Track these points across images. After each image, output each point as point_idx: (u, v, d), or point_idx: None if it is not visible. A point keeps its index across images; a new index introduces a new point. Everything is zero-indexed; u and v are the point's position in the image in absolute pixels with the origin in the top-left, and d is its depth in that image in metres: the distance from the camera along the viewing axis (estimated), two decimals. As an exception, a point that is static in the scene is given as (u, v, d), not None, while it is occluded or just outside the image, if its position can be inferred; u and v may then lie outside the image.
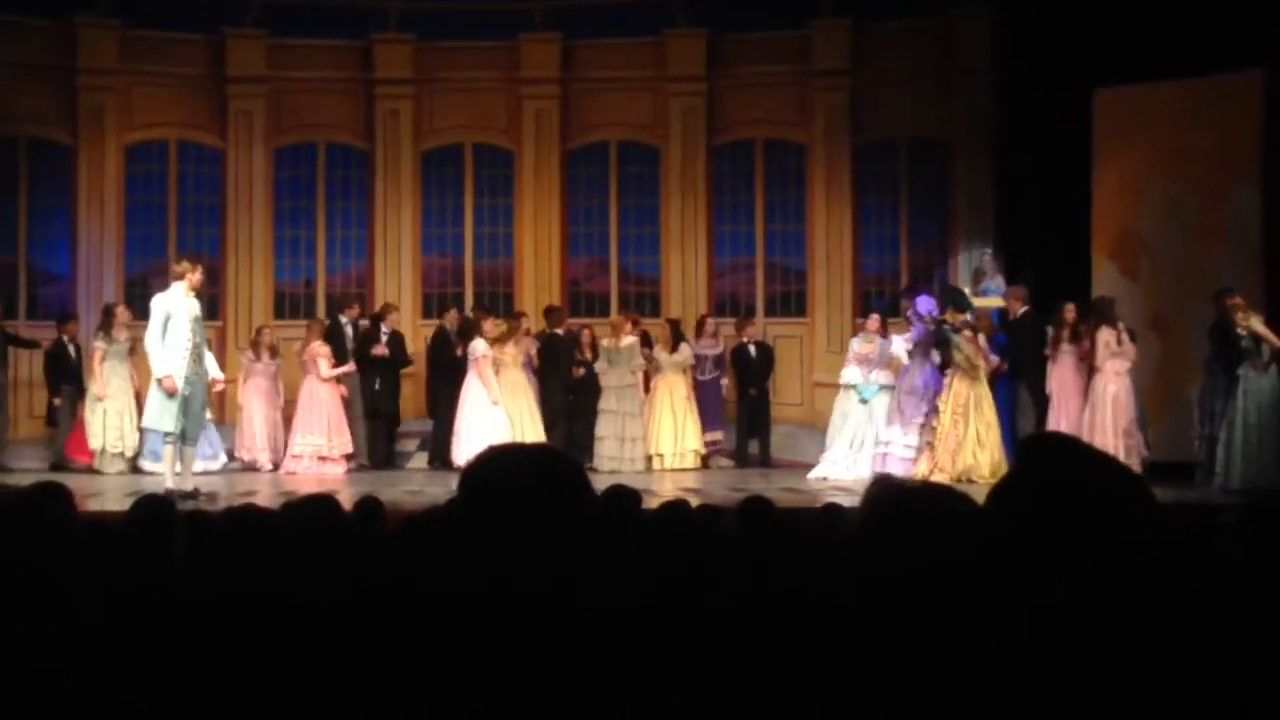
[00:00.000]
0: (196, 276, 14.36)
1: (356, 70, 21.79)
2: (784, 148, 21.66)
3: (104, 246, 20.75)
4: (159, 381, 13.95)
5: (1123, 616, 2.26)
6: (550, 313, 19.67)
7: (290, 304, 21.39)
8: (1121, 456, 15.45)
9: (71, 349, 19.09)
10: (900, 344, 17.45)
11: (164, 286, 20.54)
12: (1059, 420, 16.36)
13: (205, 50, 21.39)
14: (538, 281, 21.60)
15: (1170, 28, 16.85)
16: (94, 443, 17.94)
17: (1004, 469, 15.32)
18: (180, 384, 13.92)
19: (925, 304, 17.43)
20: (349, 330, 19.21)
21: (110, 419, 17.89)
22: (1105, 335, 16.07)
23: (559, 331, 19.32)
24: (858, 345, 17.98)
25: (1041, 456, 2.47)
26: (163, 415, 14.02)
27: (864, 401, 17.64)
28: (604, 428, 18.65)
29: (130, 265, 21.04)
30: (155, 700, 3.55)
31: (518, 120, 21.86)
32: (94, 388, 18.09)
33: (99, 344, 18.26)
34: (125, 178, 21.07)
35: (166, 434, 14.14)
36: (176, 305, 14.09)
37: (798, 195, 21.55)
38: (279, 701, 3.59)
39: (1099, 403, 16.03)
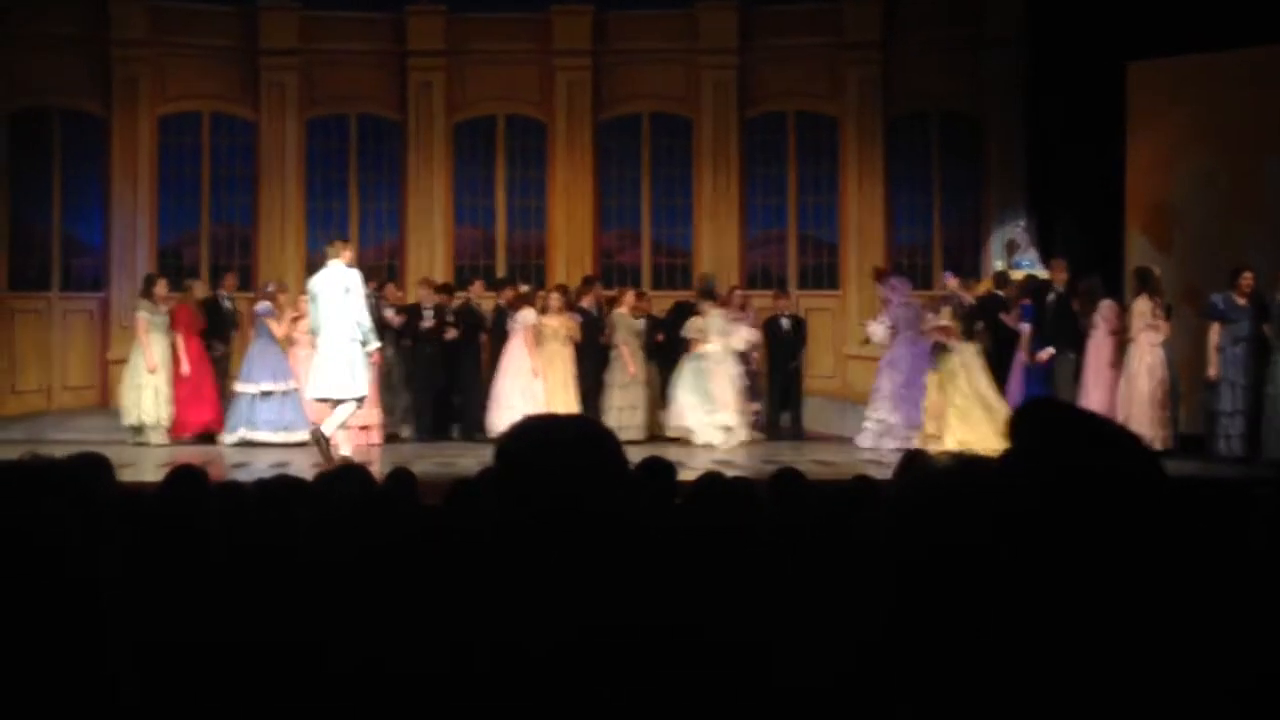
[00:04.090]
0: (349, 253, 15.64)
1: (389, 42, 21.79)
2: (816, 120, 21.64)
3: (137, 217, 20.80)
4: (369, 354, 15.35)
5: (1141, 583, 2.25)
6: (582, 284, 19.66)
7: (323, 276, 21.37)
8: (1158, 430, 15.53)
9: (228, 303, 19.26)
10: (879, 328, 17.71)
11: (196, 258, 20.83)
12: (1092, 394, 16.32)
13: (238, 22, 21.41)
14: (569, 253, 21.60)
15: (1203, 0, 16.77)
16: (138, 418, 17.80)
17: (990, 440, 15.58)
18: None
19: (896, 287, 18.00)
20: (369, 302, 19.17)
21: (147, 393, 17.70)
22: (1141, 305, 16.00)
23: (585, 305, 19.25)
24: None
25: (1034, 426, 2.45)
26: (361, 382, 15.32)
27: None
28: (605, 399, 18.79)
29: (163, 236, 21.12)
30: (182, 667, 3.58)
31: (550, 92, 21.85)
32: (141, 359, 17.74)
33: (144, 314, 17.93)
34: (158, 149, 21.11)
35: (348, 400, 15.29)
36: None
37: (830, 168, 21.53)
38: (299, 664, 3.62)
39: (1134, 374, 15.98)
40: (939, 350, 16.79)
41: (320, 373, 15.29)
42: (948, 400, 16.58)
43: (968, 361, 16.61)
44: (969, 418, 16.40)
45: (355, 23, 21.68)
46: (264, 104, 21.49)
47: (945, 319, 16.88)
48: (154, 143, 21.04)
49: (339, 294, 15.08)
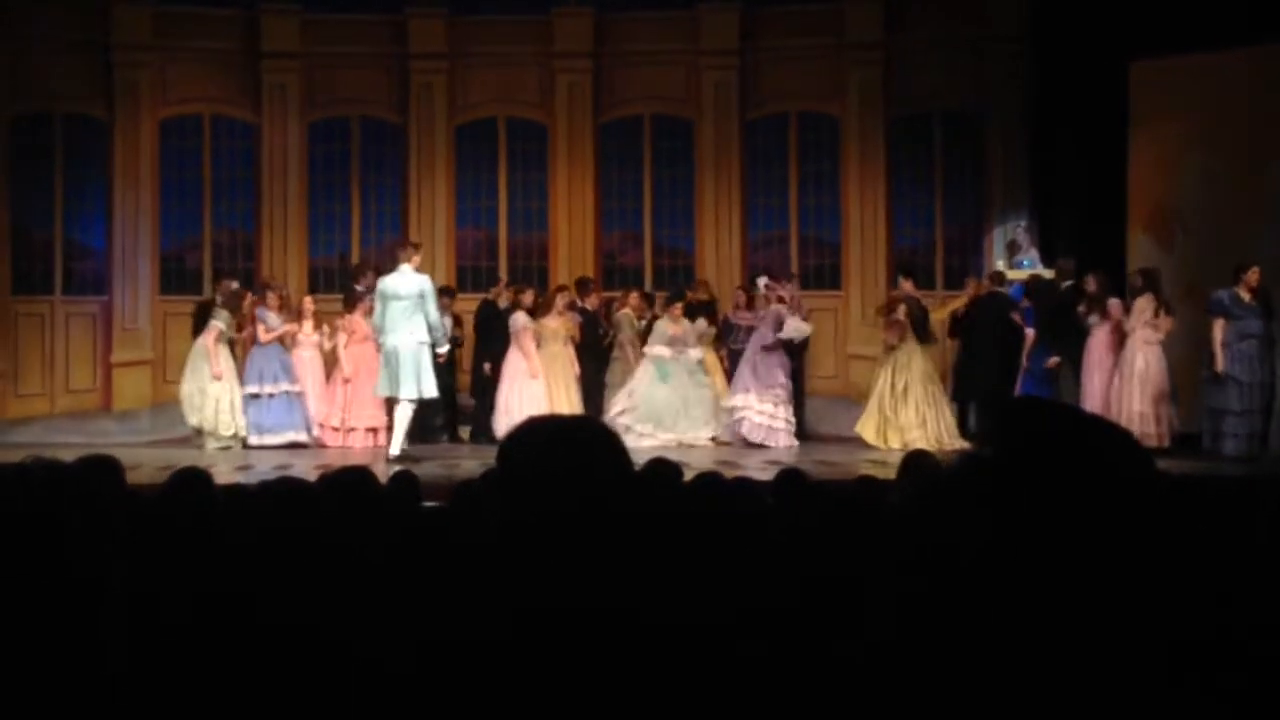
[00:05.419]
0: (419, 258, 16.31)
1: (390, 44, 21.78)
2: (817, 121, 21.61)
3: (139, 221, 20.80)
4: (439, 356, 15.92)
5: (1140, 581, 2.24)
6: (580, 285, 19.63)
7: (325, 278, 21.37)
8: (1152, 427, 15.61)
9: None
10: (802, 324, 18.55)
11: (199, 261, 20.82)
12: (1088, 390, 16.36)
13: (239, 25, 21.41)
14: (571, 255, 21.58)
15: (1206, 0, 16.78)
16: (199, 421, 17.82)
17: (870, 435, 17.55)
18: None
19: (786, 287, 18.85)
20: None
21: (223, 402, 17.71)
22: (1143, 303, 16.03)
23: (587, 306, 19.22)
24: (666, 326, 18.59)
25: (1022, 424, 2.45)
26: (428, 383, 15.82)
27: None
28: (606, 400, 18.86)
29: (165, 240, 21.11)
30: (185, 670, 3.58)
31: (551, 94, 21.83)
32: (210, 366, 17.75)
33: (221, 324, 17.93)
34: (160, 152, 21.10)
35: (413, 400, 15.84)
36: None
37: (831, 168, 21.50)
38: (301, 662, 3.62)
39: (1127, 372, 16.00)
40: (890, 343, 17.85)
41: (389, 371, 15.73)
42: (881, 389, 17.63)
43: (904, 362, 17.41)
44: (870, 410, 17.65)
45: (356, 25, 21.67)
46: (265, 107, 21.48)
47: (900, 316, 17.56)
48: (155, 146, 21.03)
49: (413, 297, 15.54)
